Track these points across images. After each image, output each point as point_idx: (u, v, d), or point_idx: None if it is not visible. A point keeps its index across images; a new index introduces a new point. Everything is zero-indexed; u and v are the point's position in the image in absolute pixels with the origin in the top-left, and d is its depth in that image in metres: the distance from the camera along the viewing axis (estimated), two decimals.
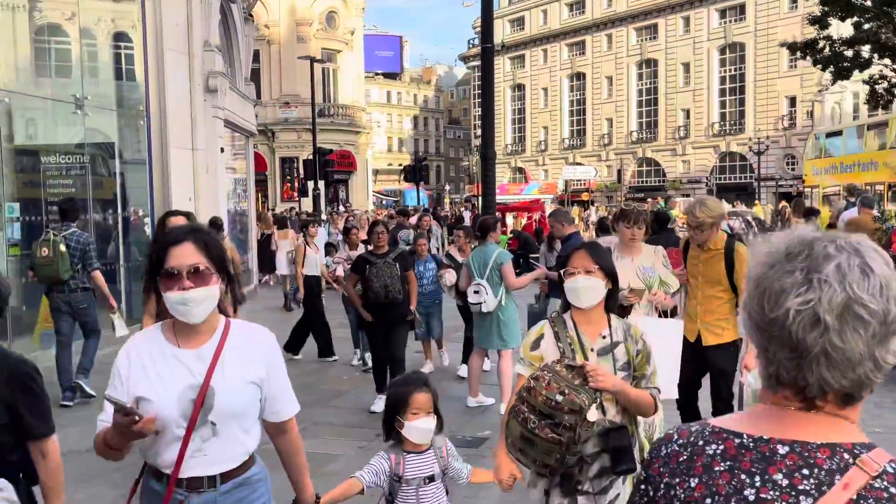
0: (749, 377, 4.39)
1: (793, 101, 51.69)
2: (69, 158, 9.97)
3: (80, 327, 7.11)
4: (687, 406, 4.86)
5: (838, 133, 27.01)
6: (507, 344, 6.62)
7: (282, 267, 14.35)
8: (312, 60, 25.96)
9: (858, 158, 23.04)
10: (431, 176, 78.82)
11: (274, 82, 37.46)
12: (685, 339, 4.68)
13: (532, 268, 8.56)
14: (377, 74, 76.80)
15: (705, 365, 4.74)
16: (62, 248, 6.67)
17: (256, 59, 36.69)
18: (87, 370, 7.04)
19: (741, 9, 54.21)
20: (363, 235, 11.44)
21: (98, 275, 7.02)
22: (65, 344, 6.99)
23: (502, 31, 68.62)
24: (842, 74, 19.88)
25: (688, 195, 28.38)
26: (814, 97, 48.99)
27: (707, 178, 54.02)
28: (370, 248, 6.97)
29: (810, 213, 9.71)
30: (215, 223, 9.36)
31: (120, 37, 11.49)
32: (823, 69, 20.61)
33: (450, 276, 7.40)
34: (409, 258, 7.00)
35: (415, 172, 27.66)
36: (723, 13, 55.42)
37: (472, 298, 6.57)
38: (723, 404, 4.72)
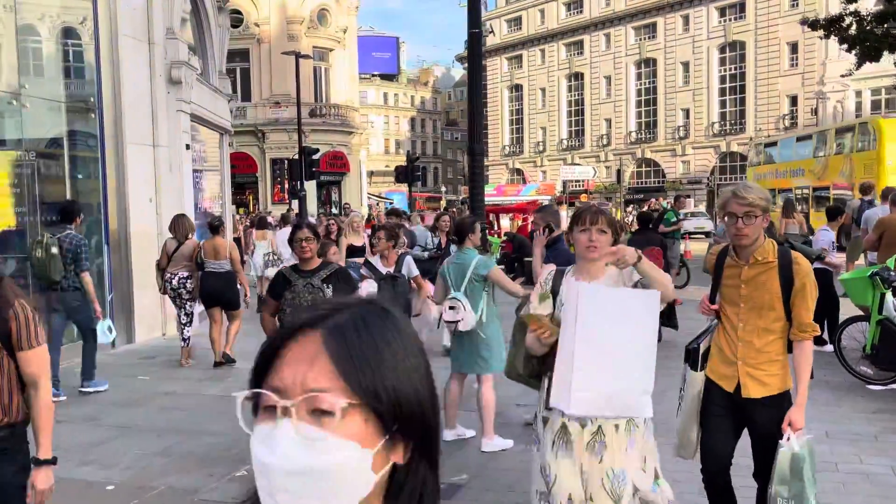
0: (793, 440, 3.15)
1: (794, 100, 50.93)
2: (9, 156, 8.96)
3: (76, 328, 7.58)
4: (715, 483, 3.50)
5: (774, 143, 30.85)
6: (488, 367, 5.63)
7: (257, 269, 13.33)
8: (297, 56, 24.97)
9: (790, 166, 26.47)
10: (428, 178, 77.96)
11: (264, 82, 36.64)
12: (719, 391, 3.41)
13: (527, 270, 7.52)
14: (374, 76, 76.10)
15: (744, 424, 3.43)
16: (54, 250, 6.99)
17: (246, 59, 35.89)
18: (91, 375, 7.36)
19: (741, 7, 53.51)
20: (355, 240, 10.33)
21: (86, 276, 7.24)
22: (54, 344, 6.84)
23: (499, 30, 67.86)
24: (870, 56, 18.57)
25: (688, 196, 27.35)
26: (816, 95, 48.10)
27: (708, 179, 53.15)
28: (330, 255, 5.93)
29: (835, 213, 8.68)
30: (212, 224, 8.87)
31: (69, 21, 10.46)
32: (850, 49, 19.33)
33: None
34: (349, 277, 5.28)
35: (407, 173, 26.54)
36: (722, 11, 54.74)
37: (447, 315, 5.58)
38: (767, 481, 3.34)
